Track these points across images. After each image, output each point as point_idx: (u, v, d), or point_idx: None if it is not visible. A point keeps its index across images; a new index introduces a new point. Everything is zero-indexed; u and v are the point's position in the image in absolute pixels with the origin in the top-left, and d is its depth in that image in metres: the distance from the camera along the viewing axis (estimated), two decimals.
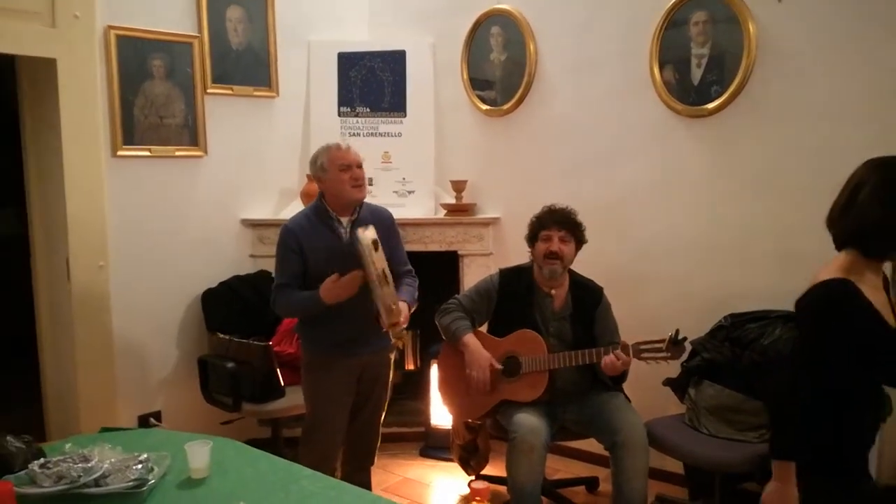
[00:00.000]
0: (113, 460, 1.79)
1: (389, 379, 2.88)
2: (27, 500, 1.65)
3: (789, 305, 2.99)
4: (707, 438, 2.88)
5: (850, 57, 2.88)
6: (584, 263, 3.08)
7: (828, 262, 1.87)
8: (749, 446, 2.78)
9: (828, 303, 1.73)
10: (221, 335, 3.49)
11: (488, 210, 4.02)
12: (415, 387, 4.25)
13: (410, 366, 4.41)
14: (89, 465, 1.76)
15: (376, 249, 2.45)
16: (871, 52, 2.85)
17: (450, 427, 3.44)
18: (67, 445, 1.91)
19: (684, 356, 3.11)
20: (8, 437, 1.84)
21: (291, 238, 2.65)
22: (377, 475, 3.50)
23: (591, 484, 3.41)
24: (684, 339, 2.58)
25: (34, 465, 1.75)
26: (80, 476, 1.71)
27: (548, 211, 2.95)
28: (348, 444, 2.82)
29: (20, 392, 3.93)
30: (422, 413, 4.02)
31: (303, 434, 2.73)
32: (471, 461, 3.38)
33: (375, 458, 2.88)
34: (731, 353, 2.98)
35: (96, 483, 1.72)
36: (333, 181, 2.63)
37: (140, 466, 1.78)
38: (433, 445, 3.92)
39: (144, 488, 1.72)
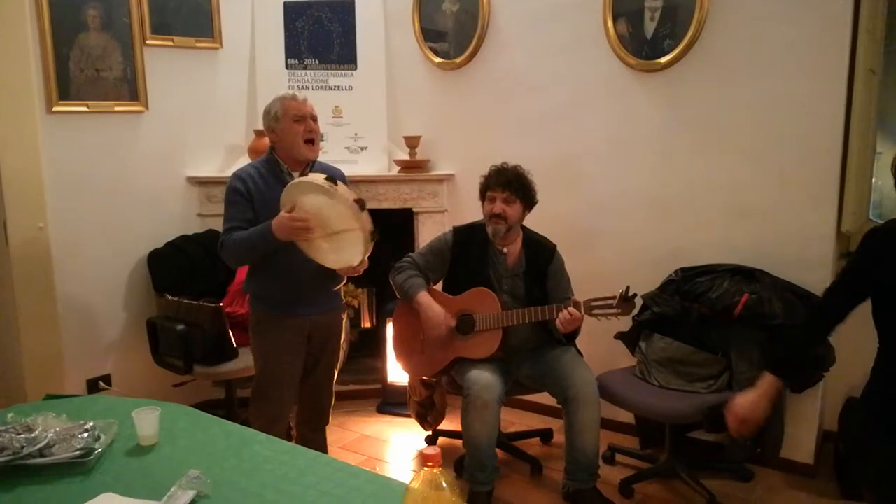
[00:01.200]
0: (57, 429, 1.74)
1: (341, 339, 2.85)
2: None
3: (737, 259, 3.09)
4: (657, 390, 2.95)
5: (799, 7, 2.89)
6: (539, 220, 3.08)
7: None
8: (697, 396, 2.85)
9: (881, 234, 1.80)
10: (170, 297, 3.41)
11: (442, 166, 3.98)
12: (371, 344, 4.26)
13: (366, 323, 4.40)
14: (32, 435, 1.70)
15: (335, 184, 2.34)
16: (814, 5, 2.86)
17: (406, 384, 3.46)
18: (9, 415, 1.84)
19: (635, 311, 3.17)
20: None
21: (240, 183, 2.56)
22: (335, 433, 3.51)
23: (545, 436, 3.48)
24: (634, 295, 2.61)
25: None
26: (22, 447, 1.65)
27: (494, 171, 2.92)
28: (301, 404, 2.80)
29: None
30: (378, 370, 4.03)
31: (252, 394, 2.70)
32: (427, 417, 3.41)
33: (330, 418, 2.87)
34: (680, 307, 3.03)
35: (41, 453, 1.66)
36: (286, 132, 2.54)
37: (86, 435, 1.73)
38: (390, 402, 3.94)
39: (91, 457, 1.67)
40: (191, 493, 1.50)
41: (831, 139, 2.92)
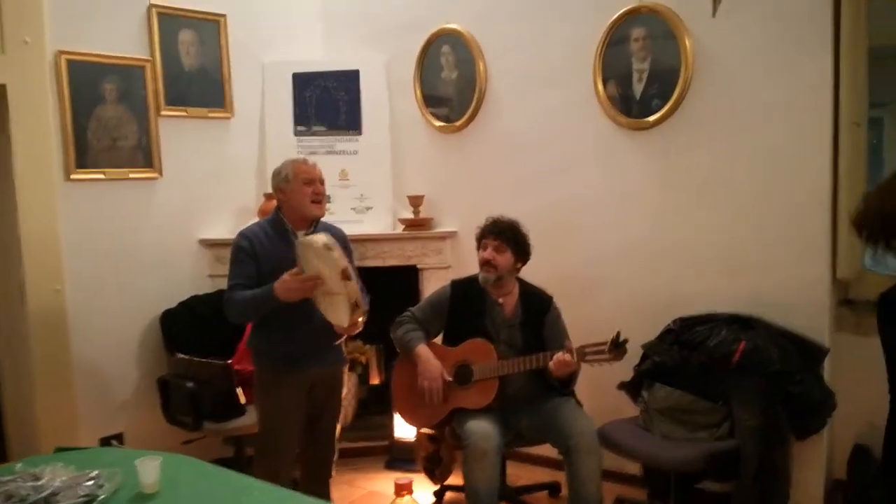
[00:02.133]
0: (64, 478, 1.81)
1: (342, 393, 2.91)
2: None
3: (734, 308, 3.14)
4: (659, 439, 2.96)
5: (777, 69, 3.03)
6: (537, 273, 3.17)
7: None
8: (700, 445, 2.86)
9: None
10: (181, 355, 3.50)
11: (445, 224, 4.09)
12: (379, 401, 4.28)
13: (375, 380, 4.43)
14: (39, 483, 1.77)
15: (330, 249, 2.42)
16: (794, 66, 3.00)
17: (413, 439, 3.49)
18: (18, 465, 1.92)
19: (636, 360, 3.21)
20: None
21: (246, 242, 2.67)
22: (342, 490, 3.52)
23: (552, 489, 3.47)
24: (625, 340, 2.66)
25: None
26: (28, 494, 1.72)
27: (490, 221, 3.05)
28: (305, 458, 2.84)
29: None
30: (387, 427, 4.05)
31: (256, 449, 2.76)
32: (435, 471, 3.42)
33: (334, 471, 2.90)
34: (679, 356, 3.07)
35: (46, 501, 1.73)
36: (295, 193, 2.67)
37: (91, 483, 1.80)
38: (398, 458, 3.95)
39: None
40: None
41: (820, 191, 3.00)
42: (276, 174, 2.73)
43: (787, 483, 2.96)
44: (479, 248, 3.05)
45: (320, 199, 2.71)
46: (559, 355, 2.72)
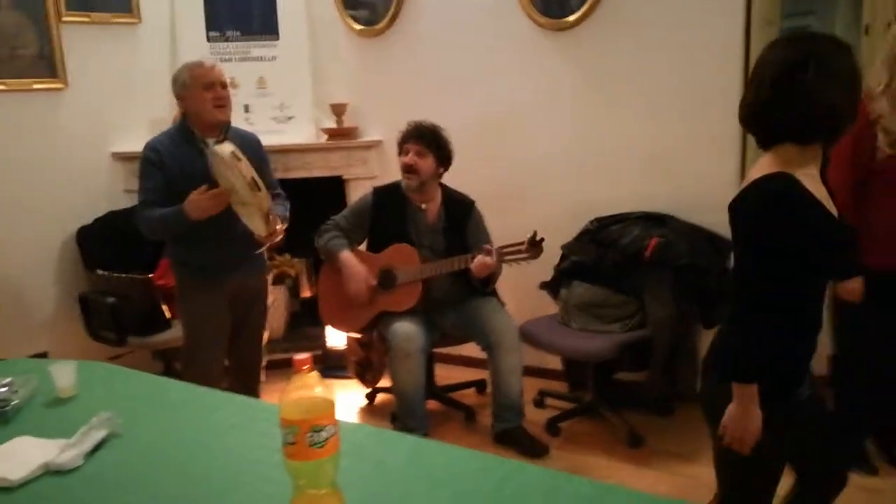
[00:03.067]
0: None
1: (266, 300, 2.91)
2: None
3: (650, 206, 3.24)
4: (577, 332, 3.11)
5: None
6: (462, 179, 3.19)
7: (756, 161, 1.64)
8: (614, 336, 3.02)
9: (774, 199, 1.48)
10: (101, 271, 3.43)
11: (370, 133, 4.05)
12: (310, 313, 4.31)
13: (306, 293, 4.46)
14: None
15: (238, 159, 2.37)
16: None
17: (344, 347, 3.55)
18: None
19: (557, 261, 3.31)
20: None
21: (153, 154, 2.58)
22: (275, 398, 3.58)
23: (479, 386, 3.62)
24: (542, 239, 2.73)
25: None
26: None
27: (411, 126, 3.03)
28: (232, 367, 2.87)
29: None
30: (319, 338, 4.10)
31: (182, 358, 2.76)
32: (367, 375, 3.51)
33: (263, 377, 2.95)
34: (596, 254, 3.18)
35: None
36: (195, 99, 2.56)
37: (4, 389, 1.78)
38: (331, 366, 4.01)
39: (8, 408, 1.73)
40: (102, 432, 1.57)
41: (731, 91, 3.06)
42: (175, 81, 2.61)
43: (695, 370, 3.16)
44: (400, 153, 3.04)
45: (223, 102, 2.60)
46: (479, 257, 2.77)
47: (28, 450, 1.52)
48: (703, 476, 2.71)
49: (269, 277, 2.96)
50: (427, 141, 2.95)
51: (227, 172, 2.41)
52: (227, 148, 2.41)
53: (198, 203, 2.44)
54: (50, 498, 1.35)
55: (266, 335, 2.94)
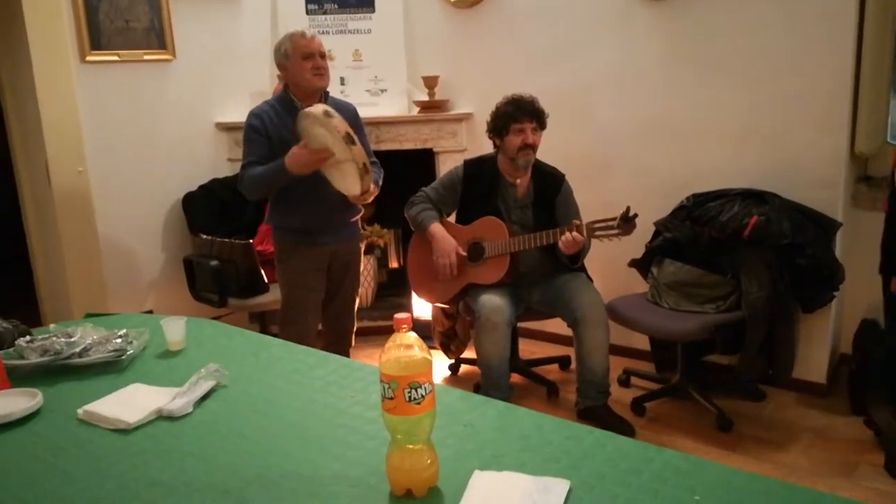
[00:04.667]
0: (95, 337, 1.93)
1: (360, 267, 2.99)
2: (16, 370, 1.79)
3: (747, 182, 3.12)
4: (667, 311, 3.04)
5: None
6: (551, 151, 3.14)
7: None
8: (706, 316, 2.93)
9: None
10: (204, 236, 3.61)
11: (461, 106, 4.06)
12: (399, 283, 4.40)
13: (394, 264, 4.55)
14: (72, 339, 1.89)
15: (331, 116, 2.41)
16: None
17: (430, 317, 3.61)
18: (52, 326, 2.04)
19: (649, 237, 3.24)
20: None
21: (257, 120, 2.68)
22: (364, 362, 3.69)
23: (563, 362, 3.61)
24: (635, 215, 2.65)
25: (21, 342, 1.88)
26: (63, 349, 1.85)
27: (516, 103, 2.94)
28: (326, 330, 2.97)
29: (18, 296, 4.07)
30: (405, 308, 4.18)
31: (279, 319, 2.88)
32: (451, 346, 3.57)
33: (353, 341, 3.04)
34: (691, 231, 3.09)
35: (79, 355, 1.86)
36: (295, 69, 2.64)
37: (120, 340, 1.91)
38: (417, 335, 4.09)
39: (124, 357, 1.86)
40: (210, 383, 1.67)
41: (841, 61, 2.91)
42: (277, 50, 2.70)
43: (791, 355, 3.03)
44: (505, 131, 2.96)
45: (322, 72, 2.67)
46: (567, 234, 2.74)
47: (142, 396, 1.64)
48: (793, 464, 2.63)
49: (362, 246, 3.03)
50: (539, 118, 2.92)
51: (319, 130, 2.44)
52: (319, 107, 2.46)
53: (299, 156, 2.49)
54: (162, 441, 1.44)
55: (357, 301, 3.02)
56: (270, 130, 2.68)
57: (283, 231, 2.82)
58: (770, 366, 3.08)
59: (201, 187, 3.87)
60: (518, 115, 2.94)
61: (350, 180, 2.51)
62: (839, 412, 2.99)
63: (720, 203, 3.05)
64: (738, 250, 2.96)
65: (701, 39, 3.19)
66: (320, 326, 2.98)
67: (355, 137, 2.42)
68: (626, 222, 2.64)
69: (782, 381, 3.15)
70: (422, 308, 3.90)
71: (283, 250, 2.83)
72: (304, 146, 2.50)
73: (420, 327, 3.98)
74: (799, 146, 3.02)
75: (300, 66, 2.63)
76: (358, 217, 2.90)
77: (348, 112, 2.79)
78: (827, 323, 3.09)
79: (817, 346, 3.13)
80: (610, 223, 2.67)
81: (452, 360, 3.66)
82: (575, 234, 2.72)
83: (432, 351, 3.75)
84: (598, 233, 2.71)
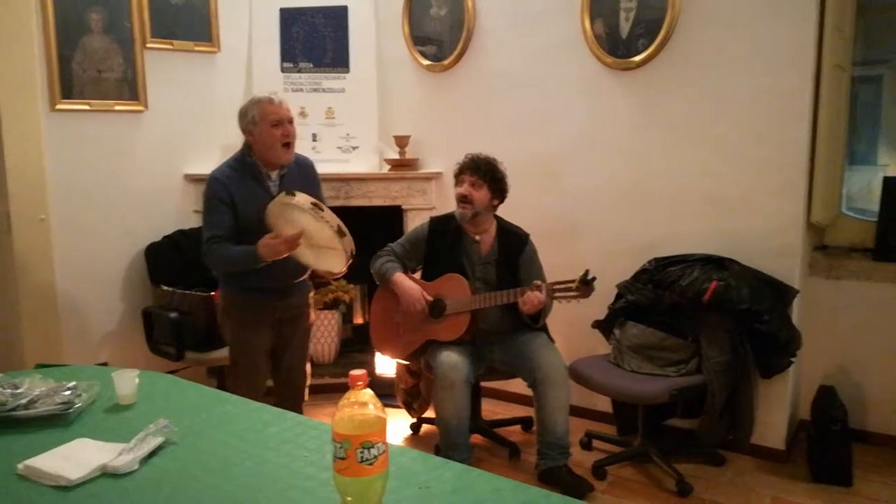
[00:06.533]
0: (42, 388, 1.87)
1: (309, 320, 2.93)
2: None
3: (709, 248, 3.19)
4: (628, 374, 3.05)
5: (762, 11, 3.02)
6: (521, 212, 3.22)
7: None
8: (667, 380, 2.95)
9: None
10: (165, 287, 3.55)
11: (431, 165, 4.12)
12: (363, 339, 4.36)
13: (359, 319, 4.52)
14: (18, 391, 1.83)
15: (321, 210, 2.42)
16: (779, 8, 2.98)
17: (394, 375, 3.58)
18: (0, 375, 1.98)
19: (611, 299, 3.27)
20: None
21: (222, 189, 2.58)
22: (324, 420, 3.61)
23: (526, 423, 3.57)
24: (594, 278, 2.68)
25: None
26: (7, 400, 1.78)
27: (468, 158, 3.05)
28: (277, 386, 2.90)
29: None
30: (369, 364, 4.13)
31: (228, 371, 2.82)
32: (413, 404, 3.52)
33: (307, 395, 2.97)
34: (653, 295, 3.13)
35: (25, 407, 1.79)
36: (264, 136, 2.58)
37: (68, 393, 1.86)
38: (379, 393, 3.93)
39: (71, 411, 1.79)
40: (159, 439, 1.62)
41: (799, 133, 3.02)
42: (243, 115, 2.62)
43: (751, 420, 3.06)
44: (456, 184, 3.07)
45: (290, 140, 2.62)
46: (528, 294, 2.77)
47: (87, 451, 1.58)
48: None
49: (312, 299, 2.98)
50: (482, 172, 2.98)
51: (304, 218, 2.45)
52: (304, 199, 2.44)
53: (273, 246, 2.46)
54: (104, 499, 1.39)
55: (309, 353, 2.97)
56: (236, 199, 2.60)
57: (231, 284, 2.74)
58: (730, 431, 3.10)
59: (165, 237, 3.83)
60: (462, 168, 3.05)
61: (332, 262, 2.54)
62: (798, 478, 2.99)
63: (681, 267, 3.11)
64: (699, 314, 3.00)
65: (667, 109, 3.30)
66: (270, 382, 2.91)
67: (345, 228, 2.45)
68: (585, 285, 2.67)
69: (742, 446, 3.16)
70: (386, 365, 3.86)
71: (232, 304, 2.76)
72: (275, 236, 2.47)
73: (383, 385, 3.96)
74: (758, 214, 3.11)
75: (270, 134, 2.58)
76: (306, 275, 2.86)
77: (307, 167, 2.81)
78: (785, 389, 3.13)
79: (776, 411, 3.15)
80: (569, 285, 2.70)
81: (415, 419, 3.61)
82: (536, 293, 2.74)
83: (395, 409, 3.71)
84: (557, 294, 2.73)
